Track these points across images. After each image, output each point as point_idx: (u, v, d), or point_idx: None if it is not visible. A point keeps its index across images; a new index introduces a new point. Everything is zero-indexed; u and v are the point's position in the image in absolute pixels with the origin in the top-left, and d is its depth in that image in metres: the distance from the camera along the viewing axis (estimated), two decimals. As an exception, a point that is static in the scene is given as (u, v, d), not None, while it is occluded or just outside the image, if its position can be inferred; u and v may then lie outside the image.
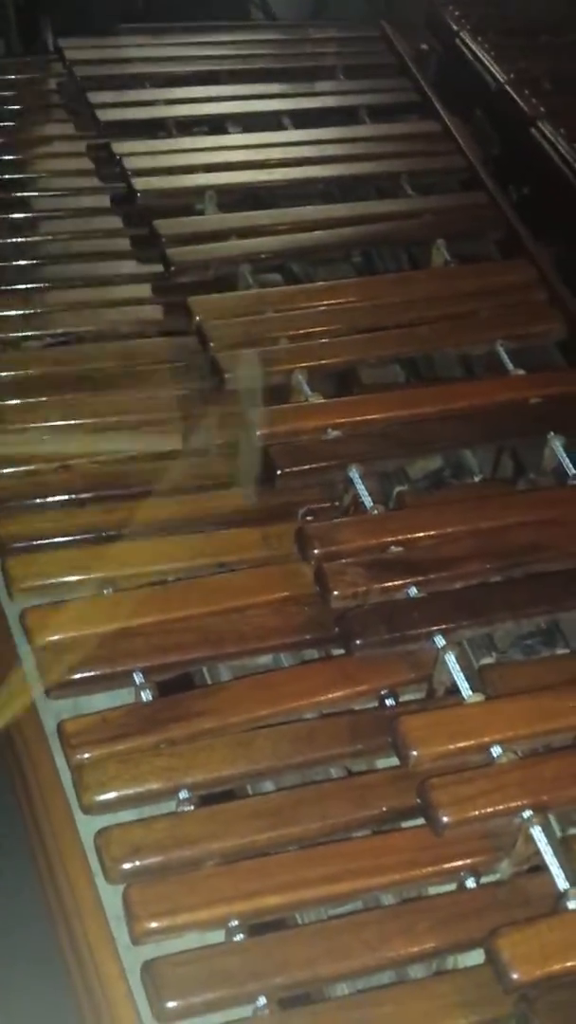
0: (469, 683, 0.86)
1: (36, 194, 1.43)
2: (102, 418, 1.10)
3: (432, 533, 0.97)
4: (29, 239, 1.36)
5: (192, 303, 1.19)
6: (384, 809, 0.82)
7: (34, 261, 1.33)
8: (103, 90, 1.55)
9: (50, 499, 1.02)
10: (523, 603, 0.92)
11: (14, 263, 1.32)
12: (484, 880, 0.79)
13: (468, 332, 1.19)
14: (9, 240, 1.35)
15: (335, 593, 0.91)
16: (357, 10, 2.13)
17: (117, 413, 1.11)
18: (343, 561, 0.93)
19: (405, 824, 0.82)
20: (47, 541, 0.97)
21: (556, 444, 1.04)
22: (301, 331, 1.17)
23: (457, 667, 0.87)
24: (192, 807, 0.80)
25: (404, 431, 1.06)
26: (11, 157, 1.48)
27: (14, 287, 1.28)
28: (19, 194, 1.43)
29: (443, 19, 1.75)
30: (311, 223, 1.34)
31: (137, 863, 0.76)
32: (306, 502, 1.03)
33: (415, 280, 1.25)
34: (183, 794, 0.81)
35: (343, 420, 1.06)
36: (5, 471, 1.04)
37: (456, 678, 0.87)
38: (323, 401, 1.09)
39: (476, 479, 1.10)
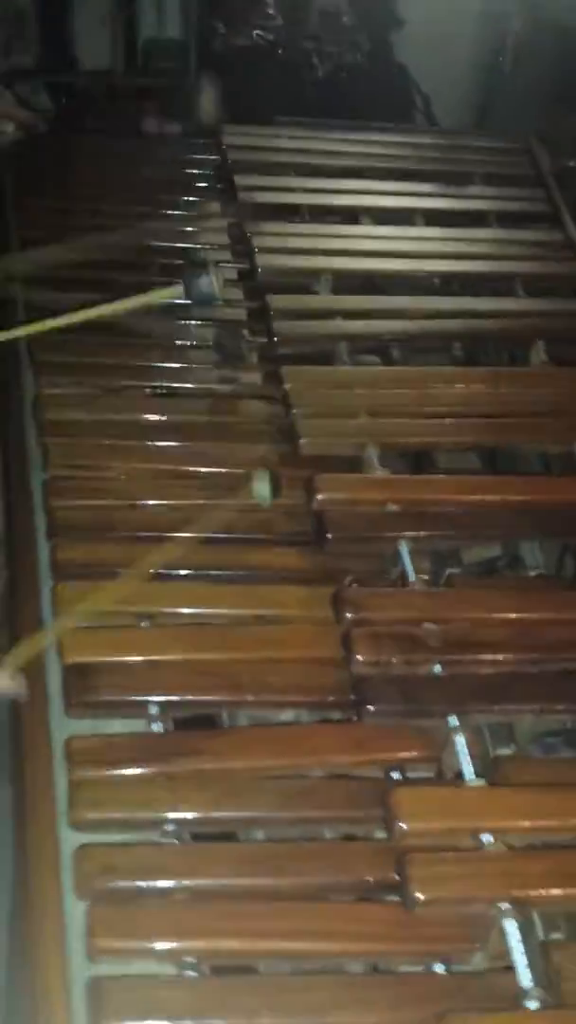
0: (478, 770, 0.84)
1: (173, 261, 1.50)
2: (180, 466, 1.14)
3: (469, 616, 0.96)
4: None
5: (285, 372, 1.23)
6: (365, 879, 0.80)
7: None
8: (249, 174, 1.63)
9: (113, 533, 1.06)
10: (547, 697, 0.90)
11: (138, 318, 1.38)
12: (455, 968, 0.76)
13: (549, 432, 1.18)
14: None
15: (358, 657, 0.91)
16: (518, 124, 2.17)
17: (196, 464, 1.15)
18: (373, 628, 0.93)
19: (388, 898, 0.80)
20: (100, 571, 1.01)
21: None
22: (382, 408, 1.18)
23: (465, 750, 0.85)
24: (175, 841, 0.81)
25: (461, 515, 1.06)
26: (161, 226, 1.55)
27: (134, 341, 1.35)
28: (161, 260, 1.50)
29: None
30: (416, 312, 1.37)
31: (109, 883, 0.77)
32: (355, 570, 1.03)
33: (506, 376, 1.26)
34: (168, 827, 0.81)
35: (402, 496, 1.07)
36: (79, 503, 1.09)
37: (461, 760, 0.85)
38: (387, 476, 1.10)
39: (532, 573, 1.08)
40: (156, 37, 2.36)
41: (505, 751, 0.92)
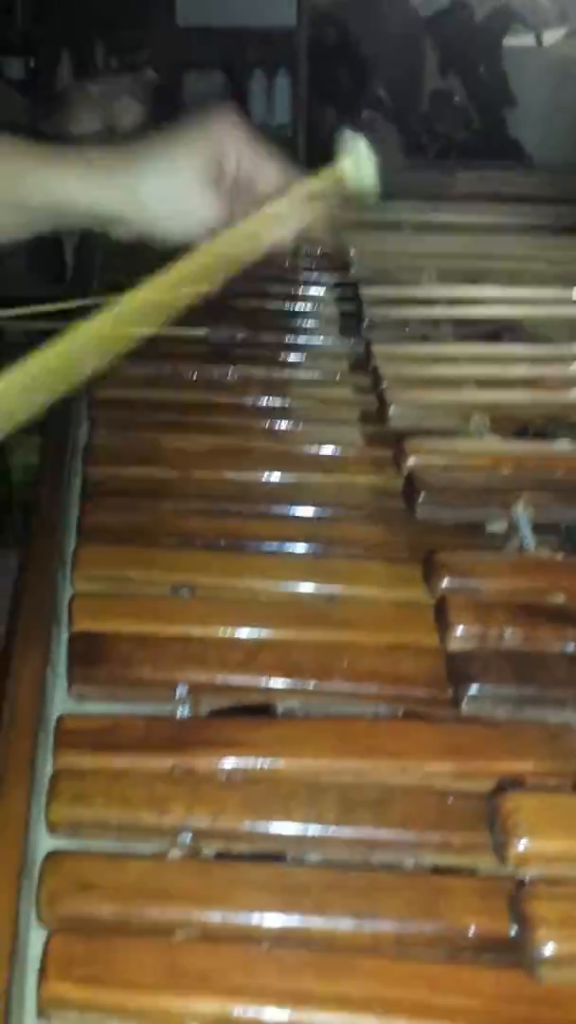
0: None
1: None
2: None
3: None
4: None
5: (375, 350, 0.98)
6: (459, 927, 0.50)
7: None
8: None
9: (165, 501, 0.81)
10: None
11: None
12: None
13: None
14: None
15: (458, 630, 0.62)
16: None
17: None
18: (476, 596, 0.65)
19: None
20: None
21: None
22: (492, 378, 0.93)
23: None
24: (180, 855, 0.53)
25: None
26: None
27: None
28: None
29: None
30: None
31: (83, 908, 0.49)
32: (452, 546, 0.76)
33: None
34: (183, 837, 0.53)
35: (515, 460, 0.79)
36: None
37: (605, 763, 0.55)
38: (499, 441, 0.84)
39: None
40: (265, 123, 2.26)
41: None
